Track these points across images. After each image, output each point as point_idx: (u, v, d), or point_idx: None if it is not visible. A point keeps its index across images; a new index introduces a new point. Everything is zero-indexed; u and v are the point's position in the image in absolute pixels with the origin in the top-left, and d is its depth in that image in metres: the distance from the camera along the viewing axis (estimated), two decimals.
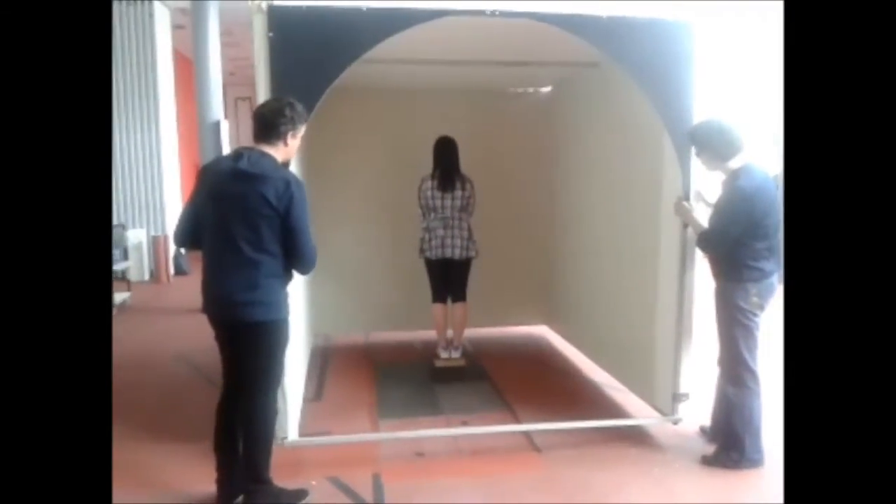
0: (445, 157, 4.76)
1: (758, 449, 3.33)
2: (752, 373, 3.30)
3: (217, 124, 7.50)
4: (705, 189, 3.50)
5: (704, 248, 3.34)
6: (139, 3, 9.03)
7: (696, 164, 3.40)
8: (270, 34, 3.05)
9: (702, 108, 3.39)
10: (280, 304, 2.78)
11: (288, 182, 2.68)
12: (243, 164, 2.69)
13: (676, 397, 3.59)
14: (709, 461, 3.39)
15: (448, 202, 4.74)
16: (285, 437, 3.28)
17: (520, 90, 5.66)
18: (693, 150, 3.35)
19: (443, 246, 4.77)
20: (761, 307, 3.27)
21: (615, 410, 4.14)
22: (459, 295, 4.92)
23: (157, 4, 9.15)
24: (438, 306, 4.94)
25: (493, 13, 3.16)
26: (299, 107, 2.82)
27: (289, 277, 2.83)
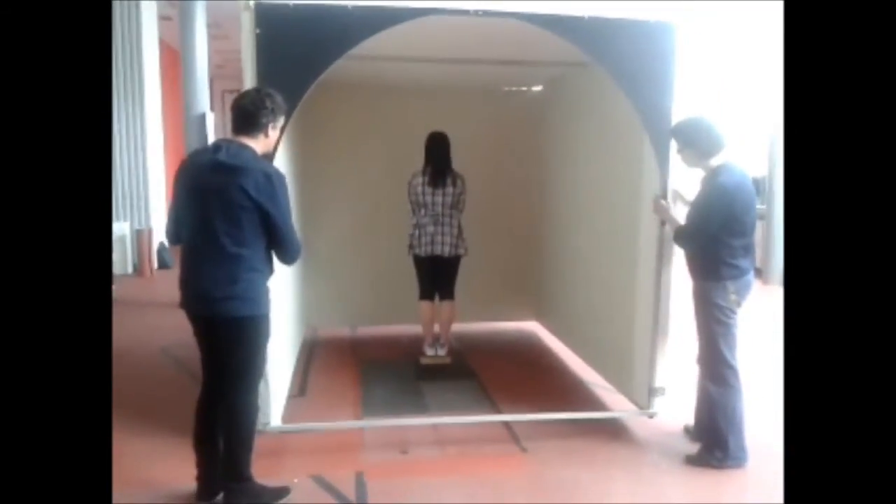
0: (437, 153, 4.73)
1: (741, 447, 3.35)
2: (733, 370, 3.32)
3: (203, 116, 7.43)
4: (683, 188, 3.53)
5: (681, 244, 3.35)
6: None
7: (675, 163, 3.43)
8: (258, 30, 3.10)
9: (682, 108, 3.42)
10: (260, 300, 2.75)
11: (268, 174, 2.65)
12: (222, 156, 2.65)
13: (653, 391, 3.64)
14: (693, 460, 3.40)
15: (439, 199, 4.71)
16: (267, 423, 3.29)
17: (511, 89, 5.67)
18: (675, 146, 3.37)
19: (432, 243, 4.75)
20: (739, 304, 3.30)
21: (600, 408, 4.16)
22: (447, 293, 4.90)
23: None
24: (425, 303, 4.92)
25: (476, 12, 3.20)
26: (279, 98, 2.80)
27: (269, 272, 2.81)
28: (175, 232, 2.82)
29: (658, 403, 3.66)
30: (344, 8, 3.10)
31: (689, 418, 3.68)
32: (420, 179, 4.73)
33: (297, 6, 3.09)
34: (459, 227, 4.82)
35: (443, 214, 4.73)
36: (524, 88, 5.68)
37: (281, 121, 2.83)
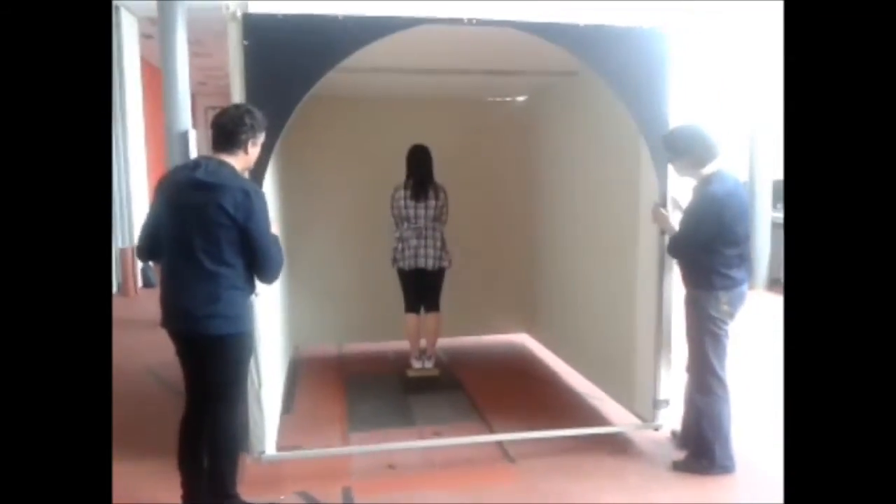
0: (419, 166, 4.74)
1: (728, 455, 3.36)
2: (720, 380, 3.33)
3: (185, 134, 7.39)
4: (680, 195, 3.51)
5: (673, 253, 3.35)
6: None
7: (672, 171, 3.41)
8: (245, 42, 3.03)
9: (677, 114, 3.42)
10: (242, 317, 2.74)
11: (246, 191, 2.64)
12: (201, 174, 2.65)
13: (657, 403, 3.59)
14: (679, 467, 3.40)
15: (421, 211, 4.72)
16: (263, 452, 3.23)
17: (497, 99, 5.69)
18: (668, 154, 3.34)
19: (416, 256, 4.75)
20: (731, 315, 3.30)
21: (593, 418, 4.13)
22: (432, 305, 4.90)
23: (124, 13, 9.01)
24: (411, 316, 4.91)
25: (470, 21, 3.15)
26: (258, 114, 2.79)
27: (251, 289, 2.79)
28: (149, 248, 2.80)
29: (661, 415, 3.61)
30: (334, 18, 3.04)
31: (676, 423, 3.68)
32: (402, 193, 4.74)
33: (286, 17, 3.02)
34: (443, 239, 4.82)
35: (426, 227, 4.74)
36: (509, 99, 5.71)
37: (261, 137, 2.82)
